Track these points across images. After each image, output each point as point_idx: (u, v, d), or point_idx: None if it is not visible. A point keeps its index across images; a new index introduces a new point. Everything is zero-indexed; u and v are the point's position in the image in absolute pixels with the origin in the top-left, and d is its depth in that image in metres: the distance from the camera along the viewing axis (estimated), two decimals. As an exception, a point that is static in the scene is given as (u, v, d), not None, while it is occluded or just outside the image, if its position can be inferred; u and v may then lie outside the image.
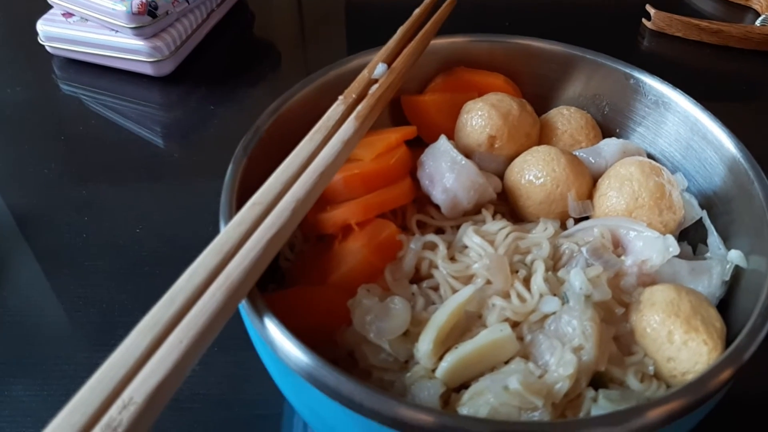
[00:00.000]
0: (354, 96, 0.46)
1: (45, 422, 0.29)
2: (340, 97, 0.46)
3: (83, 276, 0.60)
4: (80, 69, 0.81)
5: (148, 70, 0.77)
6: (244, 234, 0.37)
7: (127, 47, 0.76)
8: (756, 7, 0.90)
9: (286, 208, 0.39)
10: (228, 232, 0.37)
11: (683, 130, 0.50)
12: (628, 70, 0.52)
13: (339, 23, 0.96)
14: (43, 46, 0.81)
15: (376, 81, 0.47)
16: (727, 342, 0.40)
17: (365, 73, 0.48)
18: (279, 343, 0.36)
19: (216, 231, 0.38)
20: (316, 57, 0.90)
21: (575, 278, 0.40)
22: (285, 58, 0.88)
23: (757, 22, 0.86)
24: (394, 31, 0.51)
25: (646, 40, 0.87)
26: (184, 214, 0.65)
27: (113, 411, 0.30)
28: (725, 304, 0.44)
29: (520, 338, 0.40)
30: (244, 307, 0.38)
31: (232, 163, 0.45)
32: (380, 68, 0.47)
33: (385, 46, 0.50)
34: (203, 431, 0.50)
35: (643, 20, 0.88)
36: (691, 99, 0.50)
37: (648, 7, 0.87)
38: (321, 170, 0.41)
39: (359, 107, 0.45)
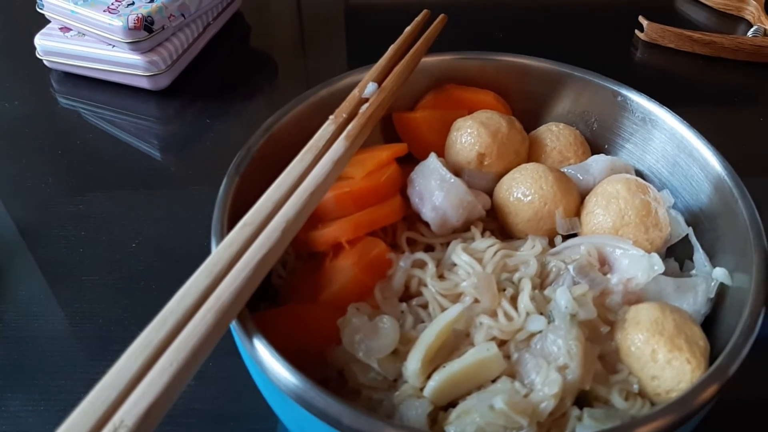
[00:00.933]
0: (344, 115, 0.46)
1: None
2: (331, 117, 0.46)
3: (80, 290, 0.61)
4: (78, 83, 0.82)
5: (144, 84, 0.78)
6: (235, 255, 0.38)
7: (123, 61, 0.77)
8: (748, 17, 0.91)
9: (276, 228, 0.39)
10: (219, 253, 0.38)
11: (670, 147, 0.51)
12: (615, 88, 0.53)
13: (339, 34, 0.96)
14: (41, 60, 0.82)
15: (366, 100, 0.48)
16: (712, 359, 0.40)
17: (356, 92, 0.48)
18: (268, 364, 0.37)
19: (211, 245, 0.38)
20: (315, 69, 0.91)
21: (561, 297, 0.41)
22: (282, 71, 0.88)
23: (749, 33, 0.87)
24: (395, 41, 0.52)
25: (639, 52, 0.88)
26: (181, 228, 0.66)
27: (105, 433, 0.31)
28: (710, 321, 0.45)
29: (507, 356, 0.41)
30: (234, 328, 0.39)
31: (224, 182, 0.45)
32: (370, 87, 0.48)
33: (376, 65, 0.50)
34: (197, 446, 0.51)
35: (636, 32, 0.88)
36: (678, 116, 0.50)
37: (641, 19, 0.88)
38: (311, 190, 0.42)
39: (349, 127, 0.46)
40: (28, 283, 0.62)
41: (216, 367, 0.54)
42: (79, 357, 0.57)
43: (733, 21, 0.93)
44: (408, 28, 0.54)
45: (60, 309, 0.60)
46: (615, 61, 0.87)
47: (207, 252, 0.38)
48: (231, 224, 0.40)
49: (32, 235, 0.65)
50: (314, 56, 0.92)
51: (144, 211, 0.68)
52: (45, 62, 0.82)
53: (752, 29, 0.87)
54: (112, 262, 0.63)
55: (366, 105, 0.47)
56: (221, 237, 0.40)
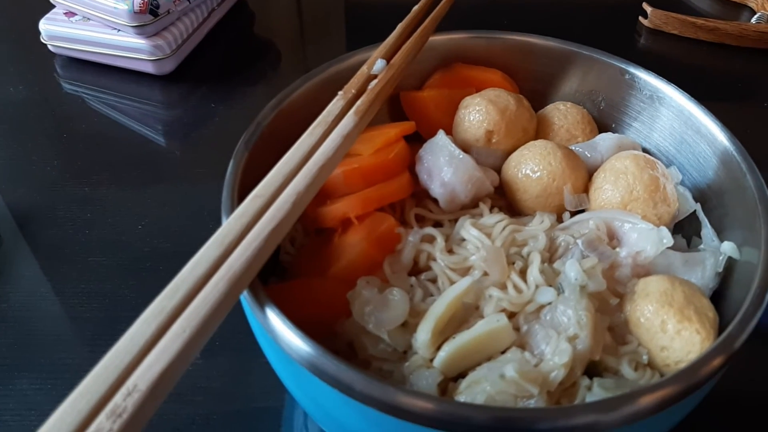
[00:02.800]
0: (353, 91, 0.46)
1: (49, 415, 0.30)
2: (340, 93, 0.46)
3: (86, 271, 0.61)
4: (82, 68, 0.82)
5: (149, 68, 0.78)
6: (246, 226, 0.38)
7: (128, 46, 0.77)
8: (752, 5, 0.91)
9: (287, 200, 0.39)
10: (230, 224, 0.38)
11: (677, 124, 0.51)
12: (623, 66, 0.53)
13: (339, 21, 0.97)
14: (45, 45, 0.82)
15: (375, 77, 0.48)
16: (720, 332, 0.40)
17: (364, 68, 0.48)
18: (280, 333, 0.37)
19: (217, 227, 0.38)
20: (316, 55, 0.91)
21: (570, 269, 0.41)
22: (285, 57, 0.89)
23: (753, 20, 0.87)
24: (394, 29, 0.52)
25: (642, 38, 0.88)
26: (185, 211, 0.66)
27: (118, 398, 0.31)
28: (718, 296, 0.45)
29: (517, 328, 0.41)
30: (245, 298, 0.39)
31: (233, 158, 0.45)
32: (379, 64, 0.48)
33: (384, 43, 0.50)
34: (204, 424, 0.51)
35: (640, 18, 0.89)
36: (685, 93, 0.50)
37: (645, 5, 0.88)
38: (321, 163, 0.42)
39: (358, 102, 0.46)
40: (34, 264, 0.62)
41: (222, 346, 0.55)
42: (85, 336, 0.57)
43: (736, 8, 0.93)
44: (416, 7, 0.54)
45: (66, 289, 0.60)
46: (619, 47, 0.85)
47: (212, 233, 0.38)
48: (241, 198, 0.40)
49: (38, 218, 0.66)
50: (315, 43, 0.92)
51: (149, 193, 0.68)
52: (49, 47, 0.82)
53: (756, 16, 0.87)
54: (118, 243, 0.63)
55: (375, 81, 0.47)
56: (231, 210, 0.40)
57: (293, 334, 0.36)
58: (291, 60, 0.89)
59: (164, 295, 0.34)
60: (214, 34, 0.86)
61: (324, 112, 0.45)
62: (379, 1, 0.96)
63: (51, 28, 0.79)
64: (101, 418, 0.30)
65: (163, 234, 0.64)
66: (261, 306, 0.38)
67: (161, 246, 0.63)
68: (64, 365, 0.54)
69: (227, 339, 0.54)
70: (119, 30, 0.76)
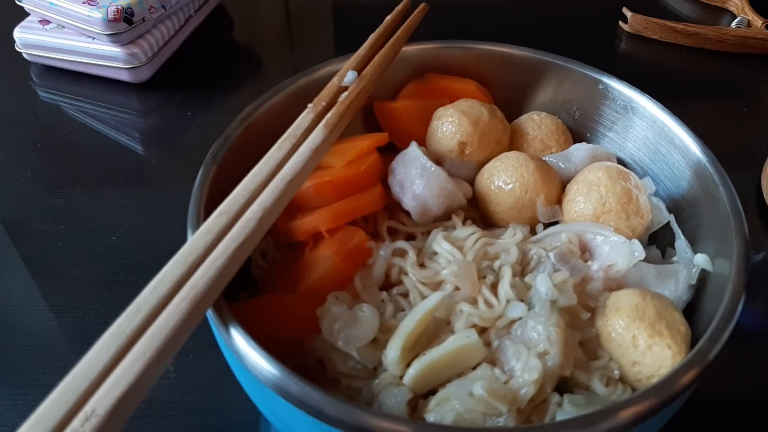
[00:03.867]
0: (324, 104, 0.46)
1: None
2: (310, 105, 0.46)
3: (60, 284, 0.60)
4: (58, 76, 0.81)
5: (125, 76, 0.77)
6: (210, 244, 0.37)
7: (103, 54, 0.76)
8: (732, 9, 0.91)
9: (253, 217, 0.39)
10: (194, 242, 0.37)
11: (651, 134, 0.51)
12: (597, 76, 0.53)
13: (326, 27, 0.96)
14: (20, 53, 0.81)
15: (346, 88, 0.47)
16: (693, 345, 0.40)
17: (335, 80, 0.48)
18: (245, 353, 0.36)
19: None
20: (299, 62, 0.90)
21: (541, 284, 0.41)
22: (265, 64, 0.88)
23: (733, 24, 0.87)
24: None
25: (623, 43, 0.88)
26: (161, 221, 0.65)
27: (75, 423, 0.30)
28: (692, 308, 0.44)
29: (488, 344, 0.40)
30: (210, 317, 0.38)
31: (200, 172, 0.45)
32: (350, 75, 0.48)
33: (356, 54, 0.50)
34: (177, 439, 0.50)
35: (620, 23, 0.88)
36: (658, 103, 0.50)
37: (625, 10, 0.88)
38: (289, 178, 0.41)
39: (329, 115, 0.45)
40: (7, 276, 0.61)
41: (196, 360, 0.54)
42: (58, 350, 0.56)
43: (716, 12, 0.93)
44: (389, 17, 0.53)
45: (39, 302, 0.59)
46: (599, 52, 0.87)
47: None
48: (207, 214, 0.39)
49: (11, 229, 0.65)
50: (299, 49, 0.92)
51: (125, 204, 0.67)
52: (24, 55, 0.81)
53: (736, 20, 0.87)
54: (92, 255, 0.62)
55: (345, 93, 0.47)
56: (197, 226, 0.39)
57: (258, 355, 0.35)
58: (272, 67, 0.88)
59: (125, 316, 0.34)
60: (192, 41, 0.86)
61: (293, 126, 0.44)
62: (367, 4, 0.96)
63: (26, 36, 0.78)
64: (58, 444, 0.30)
65: (138, 245, 0.63)
66: (225, 325, 0.37)
67: (135, 257, 0.62)
68: (36, 380, 0.53)
69: (200, 353, 0.53)
70: (94, 38, 0.75)
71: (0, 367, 0.54)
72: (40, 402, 0.31)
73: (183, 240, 0.38)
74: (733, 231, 0.42)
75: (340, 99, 0.47)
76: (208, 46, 0.87)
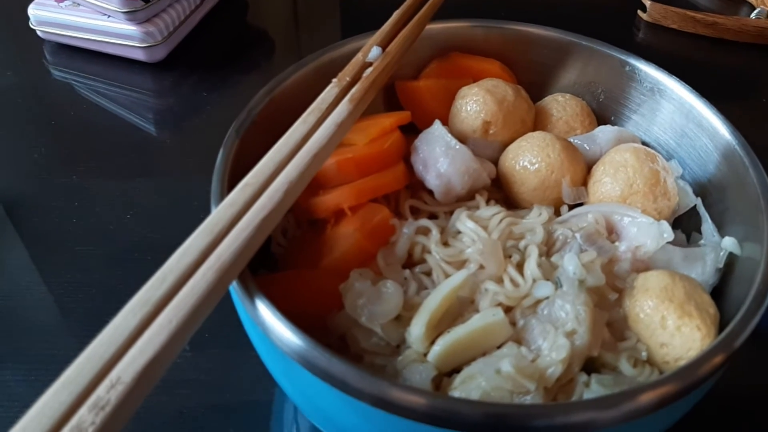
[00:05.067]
0: (348, 79, 0.45)
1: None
2: (334, 80, 0.45)
3: (73, 261, 0.60)
4: (72, 54, 0.80)
5: (140, 55, 0.76)
6: (236, 215, 0.37)
7: (119, 32, 0.75)
8: (751, 0, 0.90)
9: (279, 189, 0.38)
10: (219, 212, 0.37)
11: (678, 117, 0.50)
12: (623, 57, 0.52)
13: (334, 11, 0.95)
14: (34, 30, 0.80)
15: (370, 64, 0.47)
16: (720, 329, 0.40)
17: (359, 56, 0.47)
18: (270, 325, 0.35)
19: (206, 217, 0.37)
20: (310, 45, 0.90)
21: (569, 263, 0.40)
22: (279, 46, 0.87)
23: (752, 15, 0.86)
24: (390, 17, 0.50)
25: (641, 32, 0.87)
26: (175, 201, 0.65)
27: (101, 390, 0.30)
28: (718, 292, 0.44)
29: (513, 323, 0.40)
30: (235, 289, 0.37)
31: (223, 146, 0.44)
32: (375, 51, 0.47)
33: (380, 30, 0.49)
34: (192, 417, 0.50)
35: (639, 12, 0.88)
36: (687, 86, 0.49)
37: (644, -1, 0.87)
38: (314, 152, 0.40)
39: (353, 90, 0.45)
40: (20, 252, 0.61)
41: (212, 338, 0.54)
42: (71, 327, 0.55)
43: (736, 3, 0.92)
44: (413, -6, 0.52)
45: (52, 279, 0.59)
46: (617, 41, 0.85)
47: (202, 223, 0.37)
48: (231, 187, 0.39)
49: (25, 206, 0.64)
50: (310, 32, 0.91)
51: (139, 183, 0.67)
52: (38, 33, 0.80)
53: (755, 11, 0.86)
54: (106, 232, 0.62)
55: (370, 69, 0.46)
56: (221, 199, 0.39)
57: (284, 326, 0.35)
58: (285, 49, 0.87)
59: (150, 284, 0.33)
60: (206, 22, 0.85)
61: (317, 100, 0.44)
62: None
63: (40, 14, 0.78)
64: (83, 410, 0.29)
65: (152, 224, 0.63)
66: (251, 297, 0.36)
67: (149, 236, 0.62)
68: (48, 356, 0.53)
69: (216, 331, 0.53)
70: (109, 16, 0.75)
71: (12, 343, 0.54)
72: (54, 377, 0.30)
73: (198, 219, 0.37)
74: (764, 213, 0.41)
75: (364, 74, 0.46)
76: (223, 27, 0.86)
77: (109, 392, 0.30)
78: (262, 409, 0.51)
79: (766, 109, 0.78)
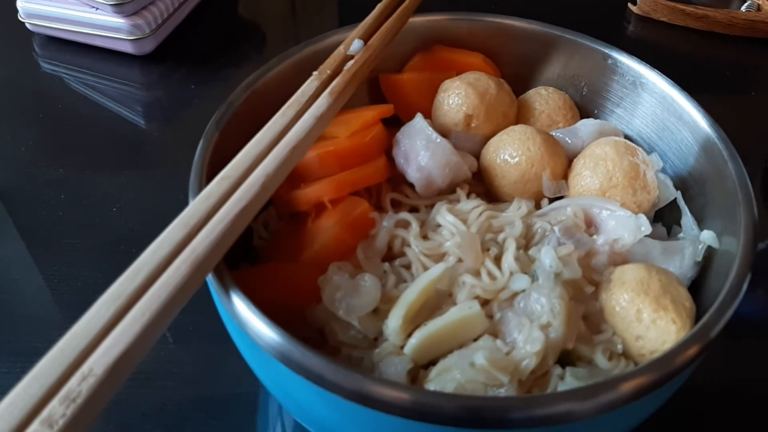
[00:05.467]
0: (329, 72, 0.45)
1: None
2: (315, 73, 0.45)
3: (59, 254, 0.60)
4: (61, 47, 0.80)
5: (128, 48, 0.76)
6: (212, 208, 0.37)
7: (107, 25, 0.75)
8: (742, -8, 0.90)
9: (256, 182, 0.38)
10: (195, 205, 0.37)
11: (659, 110, 0.50)
12: (606, 50, 0.52)
13: (330, 3, 0.95)
14: (23, 23, 0.80)
15: (352, 57, 0.47)
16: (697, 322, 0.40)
17: (341, 49, 0.47)
18: (245, 319, 0.36)
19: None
20: (304, 37, 0.89)
21: (546, 256, 0.40)
22: (270, 38, 0.87)
23: (743, 8, 0.86)
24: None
25: (632, 25, 0.87)
26: (162, 193, 0.65)
27: (73, 382, 0.30)
28: (697, 285, 0.44)
29: (490, 316, 0.40)
30: (211, 283, 0.38)
31: (203, 138, 0.44)
32: (356, 44, 0.47)
33: (362, 23, 0.49)
34: (175, 409, 0.50)
35: (629, 5, 0.87)
36: (668, 79, 0.49)
37: (634, -8, 0.87)
38: (293, 145, 0.40)
39: (334, 83, 0.45)
40: (6, 245, 0.61)
41: (196, 331, 0.54)
42: (56, 319, 0.56)
43: (727, -4, 0.92)
44: (396, -13, 0.52)
45: (38, 272, 0.59)
46: (607, 34, 0.84)
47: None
48: (209, 179, 0.39)
49: (11, 199, 0.64)
50: (304, 25, 0.91)
51: (126, 176, 0.67)
52: (27, 25, 0.80)
53: (746, 4, 0.86)
54: (92, 226, 0.62)
55: (351, 62, 0.46)
56: (198, 191, 0.39)
57: (259, 321, 0.35)
58: (277, 42, 0.87)
59: (125, 277, 0.34)
60: (196, 14, 0.85)
61: (297, 93, 0.44)
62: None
63: (29, 6, 0.78)
64: (54, 402, 0.29)
65: (139, 217, 0.63)
66: (226, 291, 0.37)
67: (136, 229, 0.62)
68: (33, 348, 0.53)
69: (200, 324, 0.53)
70: (97, 9, 0.75)
71: (-1, 334, 0.54)
72: (39, 370, 0.30)
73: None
74: (741, 206, 0.41)
75: (345, 67, 0.46)
76: (212, 20, 0.86)
77: (80, 384, 0.30)
78: (246, 402, 0.51)
79: (755, 103, 0.78)
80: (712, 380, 0.51)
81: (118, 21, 0.74)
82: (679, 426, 0.49)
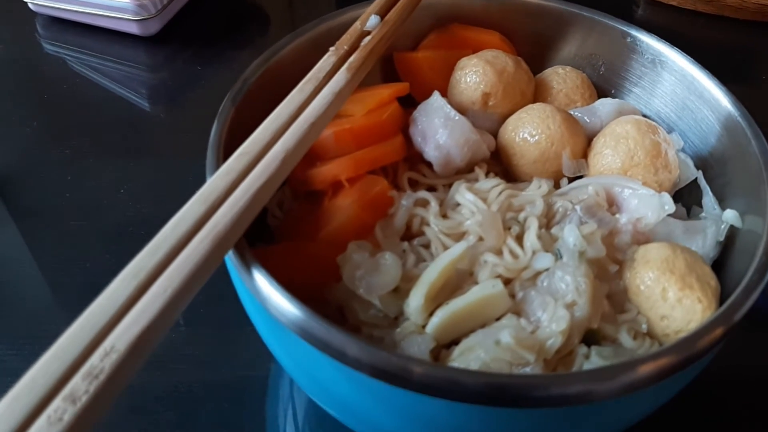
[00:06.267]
0: (346, 47, 0.44)
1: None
2: (332, 49, 0.44)
3: (65, 236, 0.59)
4: (64, 28, 0.79)
5: (133, 29, 0.75)
6: (232, 183, 0.36)
7: (112, 5, 0.74)
8: (752, -24, 0.89)
9: (276, 158, 0.37)
10: (215, 181, 0.36)
11: (679, 89, 0.49)
12: (625, 28, 0.51)
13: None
14: (26, 3, 0.79)
15: (368, 33, 0.46)
16: (721, 303, 0.39)
17: (357, 24, 0.46)
18: (267, 296, 0.35)
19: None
20: (306, 20, 0.88)
21: (569, 234, 0.40)
22: (274, 20, 0.86)
23: (753, -8, 0.85)
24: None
25: (641, 9, 0.86)
26: (169, 175, 0.64)
27: (95, 358, 0.29)
28: (719, 266, 0.43)
29: (512, 295, 0.39)
30: (231, 260, 0.37)
31: (218, 115, 0.43)
32: (373, 20, 0.46)
33: (378, -1, 0.48)
34: (187, 391, 0.49)
35: (639, -12, 0.87)
36: (689, 57, 0.49)
37: (643, -25, 0.86)
38: (312, 120, 0.40)
39: (351, 59, 0.44)
40: (11, 228, 0.60)
41: (207, 314, 0.53)
42: (64, 302, 0.55)
43: (736, -20, 0.91)
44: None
45: (45, 254, 0.58)
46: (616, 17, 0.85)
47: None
48: (226, 156, 0.38)
49: (17, 180, 0.63)
50: (306, 7, 0.90)
51: (132, 157, 0.66)
52: (30, 6, 0.79)
53: (756, -12, 0.85)
54: (99, 207, 0.61)
55: (368, 37, 0.45)
56: (216, 168, 0.38)
57: (281, 297, 0.34)
58: (281, 24, 0.86)
59: (145, 253, 0.33)
60: (201, -5, 0.84)
61: (315, 68, 0.43)
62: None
63: (31, -14, 0.77)
64: (77, 379, 0.29)
65: (146, 198, 0.62)
66: (247, 267, 0.36)
67: (144, 210, 0.61)
68: (42, 331, 0.52)
69: (211, 307, 0.52)
70: (102, -12, 0.73)
71: (5, 319, 0.53)
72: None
73: (191, 193, 0.36)
74: (766, 185, 0.41)
75: (362, 43, 0.45)
76: (218, 1, 0.85)
77: (103, 360, 0.29)
78: (257, 384, 0.51)
79: (765, 87, 0.77)
80: (732, 370, 0.51)
81: (123, 1, 0.73)
82: (698, 412, 0.49)
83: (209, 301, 0.52)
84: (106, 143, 0.67)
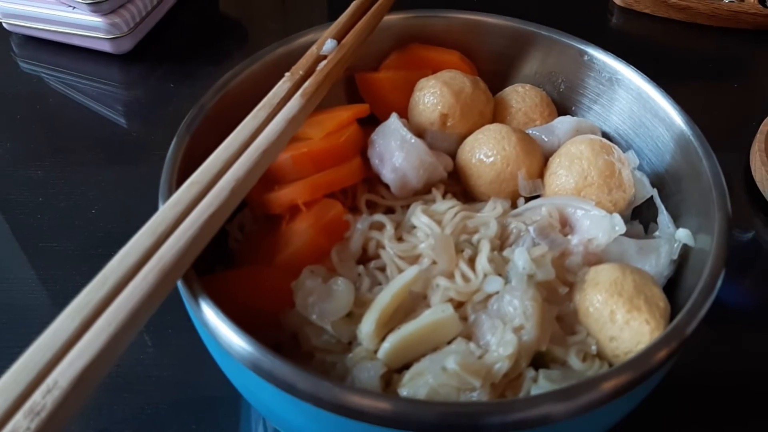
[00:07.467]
0: (301, 72, 0.45)
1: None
2: (287, 74, 0.45)
3: (37, 256, 0.59)
4: (39, 47, 0.80)
5: (106, 47, 0.76)
6: (181, 214, 0.36)
7: (84, 24, 0.74)
8: (726, -17, 0.89)
9: (225, 187, 0.38)
10: (164, 212, 0.36)
11: (636, 107, 0.50)
12: (582, 47, 0.52)
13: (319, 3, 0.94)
14: (0, 23, 0.79)
15: (324, 57, 0.46)
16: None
17: (314, 49, 0.47)
18: (215, 327, 0.35)
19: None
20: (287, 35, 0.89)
21: (518, 258, 0.40)
22: (252, 36, 0.86)
23: (726, -1, 0.85)
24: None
25: (614, 17, 0.87)
26: (141, 194, 0.64)
27: (37, 395, 0.30)
28: (674, 284, 0.44)
29: (464, 318, 0.40)
30: (181, 290, 0.37)
31: (174, 141, 0.44)
32: (329, 44, 0.47)
33: (336, 22, 0.49)
34: (154, 413, 0.50)
35: (612, -3, 0.87)
36: (643, 75, 0.49)
37: (616, -17, 0.86)
38: (263, 148, 0.40)
39: (306, 84, 0.44)
40: (-18, 249, 0.60)
41: (175, 335, 0.53)
42: (34, 323, 0.54)
43: (710, -13, 0.91)
44: (371, -15, 0.52)
45: (16, 275, 0.58)
46: (590, 26, 0.86)
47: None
48: (180, 183, 0.38)
49: (-12, 201, 0.64)
50: (288, 22, 0.90)
51: (105, 176, 0.66)
52: (5, 25, 0.79)
53: (729, -5, 0.86)
54: (71, 227, 0.62)
55: (324, 62, 0.46)
56: (169, 196, 0.38)
57: (229, 329, 0.35)
58: (259, 39, 0.86)
59: (91, 287, 0.33)
60: (176, 12, 0.84)
61: (269, 95, 0.43)
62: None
63: (5, 6, 0.77)
64: (18, 416, 0.29)
65: (118, 218, 0.62)
66: (195, 298, 0.36)
67: (115, 231, 0.61)
68: (11, 355, 0.52)
69: (179, 327, 0.52)
70: (74, 8, 0.74)
71: (-27, 342, 0.54)
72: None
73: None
74: (715, 204, 0.41)
75: (318, 68, 0.45)
76: (193, 18, 0.85)
77: (45, 397, 0.30)
78: (227, 405, 0.51)
79: (738, 95, 0.78)
80: (700, 369, 0.51)
81: (96, 20, 0.73)
82: (664, 416, 0.49)
83: (176, 322, 0.52)
84: (79, 162, 0.67)
